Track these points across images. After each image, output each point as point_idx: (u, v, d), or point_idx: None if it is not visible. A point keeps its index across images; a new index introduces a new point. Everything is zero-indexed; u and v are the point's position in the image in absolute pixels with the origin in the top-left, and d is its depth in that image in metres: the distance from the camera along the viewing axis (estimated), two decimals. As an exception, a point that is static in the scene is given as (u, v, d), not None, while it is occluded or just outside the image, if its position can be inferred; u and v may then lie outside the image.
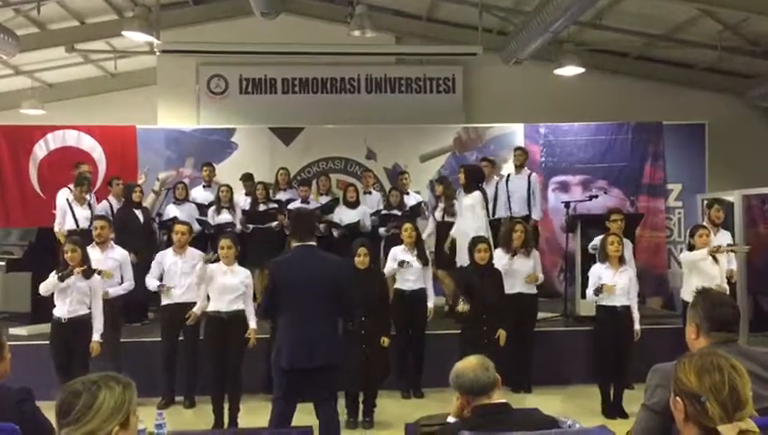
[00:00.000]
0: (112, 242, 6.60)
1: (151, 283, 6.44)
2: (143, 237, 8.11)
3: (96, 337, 5.78)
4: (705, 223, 7.08)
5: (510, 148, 9.62)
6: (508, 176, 8.84)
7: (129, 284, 6.56)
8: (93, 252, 6.24)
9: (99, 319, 5.81)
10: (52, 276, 5.71)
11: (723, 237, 7.03)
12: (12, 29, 8.65)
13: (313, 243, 4.72)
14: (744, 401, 1.86)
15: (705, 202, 7.58)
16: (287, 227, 8.30)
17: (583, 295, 6.95)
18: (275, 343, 4.70)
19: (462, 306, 6.03)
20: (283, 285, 4.55)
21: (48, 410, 2.27)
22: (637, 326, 6.20)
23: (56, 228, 7.86)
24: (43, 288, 5.78)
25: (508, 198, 8.63)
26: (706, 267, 6.37)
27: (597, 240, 6.61)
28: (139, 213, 8.27)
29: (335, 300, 4.59)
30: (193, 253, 6.47)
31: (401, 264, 6.65)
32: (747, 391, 1.88)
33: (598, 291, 6.11)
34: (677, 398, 1.94)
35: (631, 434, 2.50)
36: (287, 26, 10.03)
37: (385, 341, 5.98)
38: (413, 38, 11.06)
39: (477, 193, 7.49)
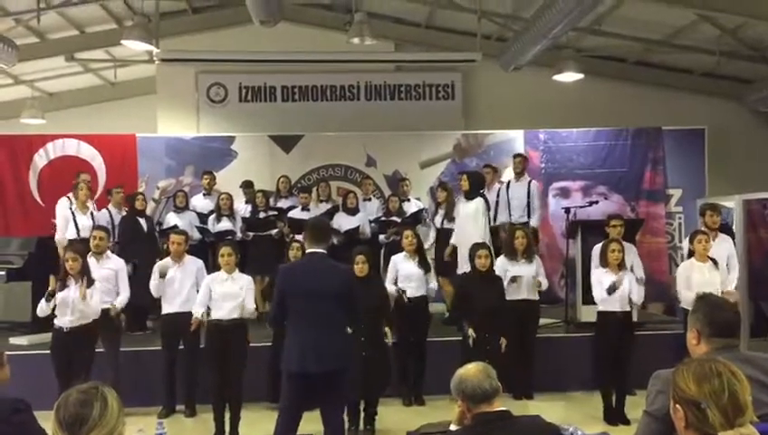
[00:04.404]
0: (109, 252, 6.58)
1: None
2: (147, 246, 8.11)
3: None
4: (703, 229, 7.06)
5: (510, 154, 9.60)
6: (508, 183, 8.85)
7: (124, 295, 6.48)
8: (90, 261, 6.24)
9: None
10: (44, 302, 5.77)
11: (723, 242, 6.99)
12: (12, 39, 8.65)
13: (323, 250, 4.73)
14: (744, 407, 1.86)
15: (699, 208, 7.53)
16: (287, 235, 8.34)
17: (584, 301, 6.92)
18: (284, 348, 4.66)
19: (470, 333, 6.07)
20: (291, 290, 4.55)
21: (48, 419, 2.27)
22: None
23: (57, 237, 7.84)
24: (40, 311, 5.82)
25: (508, 204, 8.63)
26: (703, 276, 6.30)
27: (597, 248, 6.57)
28: (143, 221, 8.27)
29: (342, 306, 4.59)
30: (192, 261, 6.48)
31: (399, 292, 6.62)
32: (747, 396, 1.87)
33: (612, 289, 6.02)
34: (677, 405, 1.94)
35: (633, 441, 2.49)
36: (286, 34, 10.03)
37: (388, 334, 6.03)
38: (412, 45, 11.07)
39: (480, 199, 7.48)
